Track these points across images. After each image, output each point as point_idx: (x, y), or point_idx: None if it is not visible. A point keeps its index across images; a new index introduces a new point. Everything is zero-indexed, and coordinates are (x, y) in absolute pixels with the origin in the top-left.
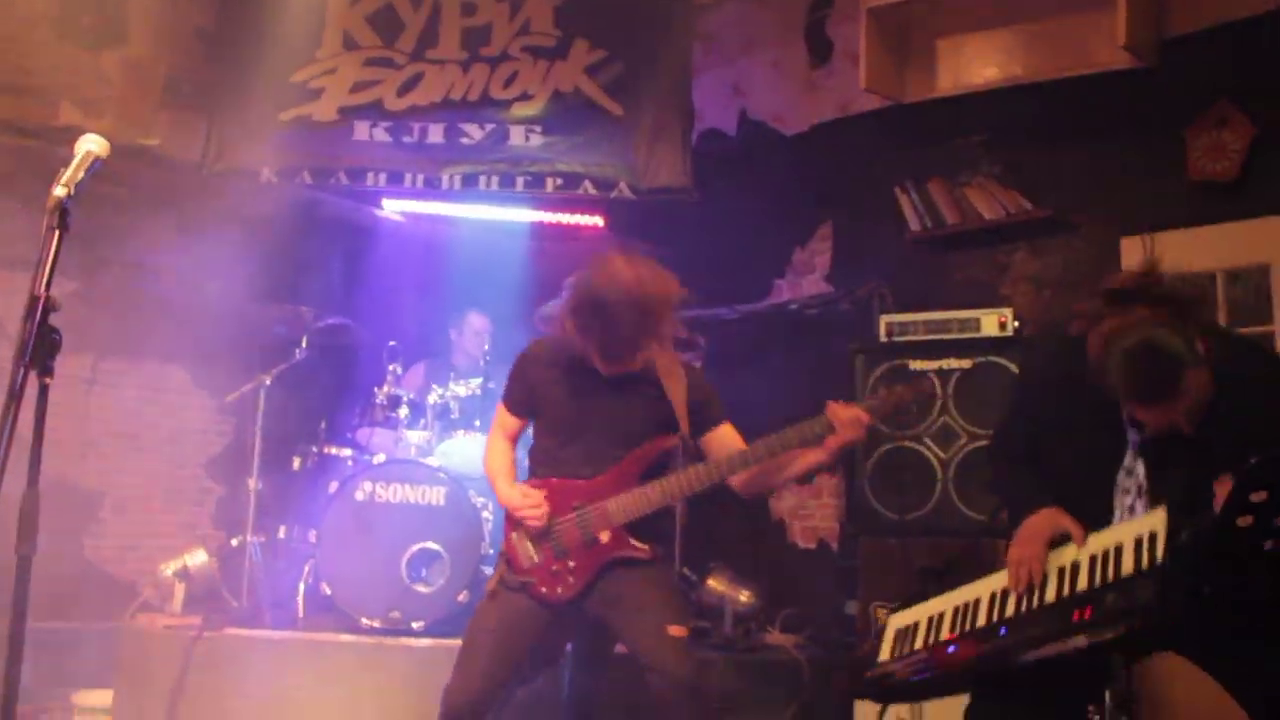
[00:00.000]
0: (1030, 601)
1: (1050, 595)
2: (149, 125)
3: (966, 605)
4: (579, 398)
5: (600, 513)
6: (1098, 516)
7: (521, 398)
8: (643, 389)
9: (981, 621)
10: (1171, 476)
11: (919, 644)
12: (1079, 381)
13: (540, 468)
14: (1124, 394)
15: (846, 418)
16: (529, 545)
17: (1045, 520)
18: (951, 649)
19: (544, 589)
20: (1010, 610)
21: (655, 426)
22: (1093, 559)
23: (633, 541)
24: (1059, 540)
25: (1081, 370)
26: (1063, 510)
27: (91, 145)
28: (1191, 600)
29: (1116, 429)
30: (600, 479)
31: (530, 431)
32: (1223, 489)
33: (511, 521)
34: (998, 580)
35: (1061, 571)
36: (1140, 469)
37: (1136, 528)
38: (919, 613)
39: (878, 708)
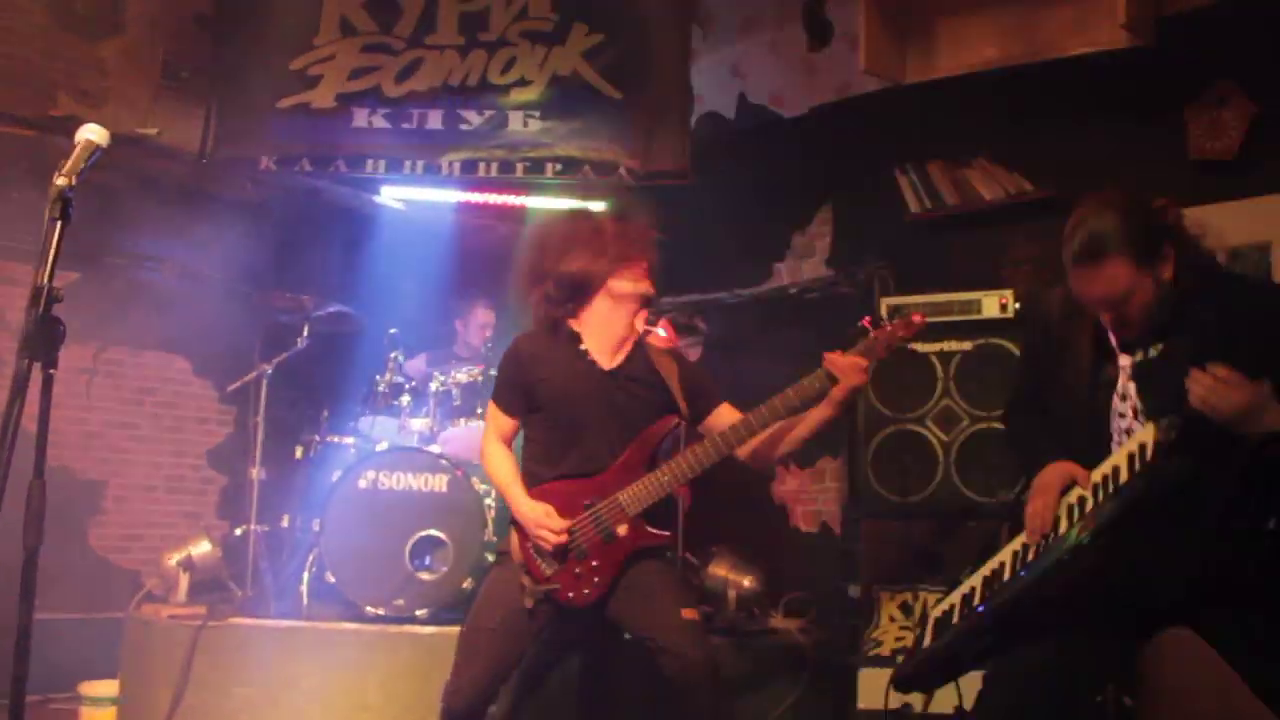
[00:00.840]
0: (1046, 544)
1: (1062, 530)
2: (147, 114)
3: (993, 572)
4: (577, 392)
5: (614, 507)
6: (1099, 442)
7: (516, 397)
8: (639, 377)
9: (1007, 577)
10: (1163, 392)
11: (956, 621)
12: (1077, 316)
13: (539, 466)
14: (1064, 257)
15: (845, 364)
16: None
17: (1055, 472)
18: (981, 608)
19: (570, 594)
20: (1030, 558)
21: (655, 411)
22: (1094, 486)
23: (651, 530)
24: (1070, 487)
25: (1079, 307)
26: (1072, 462)
27: (92, 135)
28: (1187, 481)
29: (1111, 356)
30: (607, 473)
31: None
32: (1195, 378)
33: (524, 531)
34: (1018, 541)
35: (1070, 508)
36: (1132, 390)
37: (1129, 446)
38: (953, 597)
39: (881, 691)
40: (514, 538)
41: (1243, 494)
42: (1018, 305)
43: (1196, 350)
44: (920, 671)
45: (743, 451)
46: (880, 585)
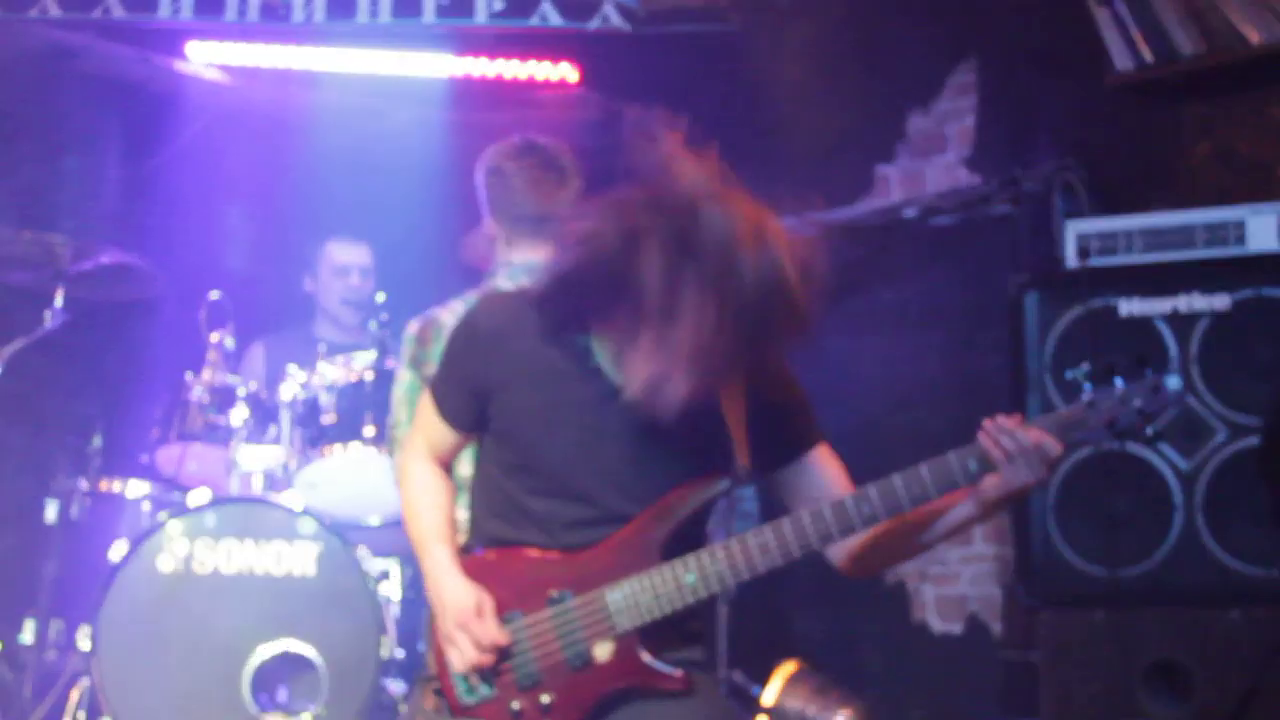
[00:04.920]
0: None
1: None
2: None
3: None
4: (576, 410)
5: (595, 611)
6: None
7: (471, 401)
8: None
9: None
10: None
11: None
12: None
13: (491, 519)
14: None
15: (1013, 448)
16: None
17: None
18: None
19: None
20: None
21: (698, 460)
22: None
23: (651, 663)
24: None
25: None
26: None
27: None
28: None
29: None
30: (599, 550)
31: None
32: None
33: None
34: None
35: None
36: None
37: None
38: None
39: None
40: (433, 635)
41: None
42: None
43: None
44: None
45: (837, 551)
46: None
